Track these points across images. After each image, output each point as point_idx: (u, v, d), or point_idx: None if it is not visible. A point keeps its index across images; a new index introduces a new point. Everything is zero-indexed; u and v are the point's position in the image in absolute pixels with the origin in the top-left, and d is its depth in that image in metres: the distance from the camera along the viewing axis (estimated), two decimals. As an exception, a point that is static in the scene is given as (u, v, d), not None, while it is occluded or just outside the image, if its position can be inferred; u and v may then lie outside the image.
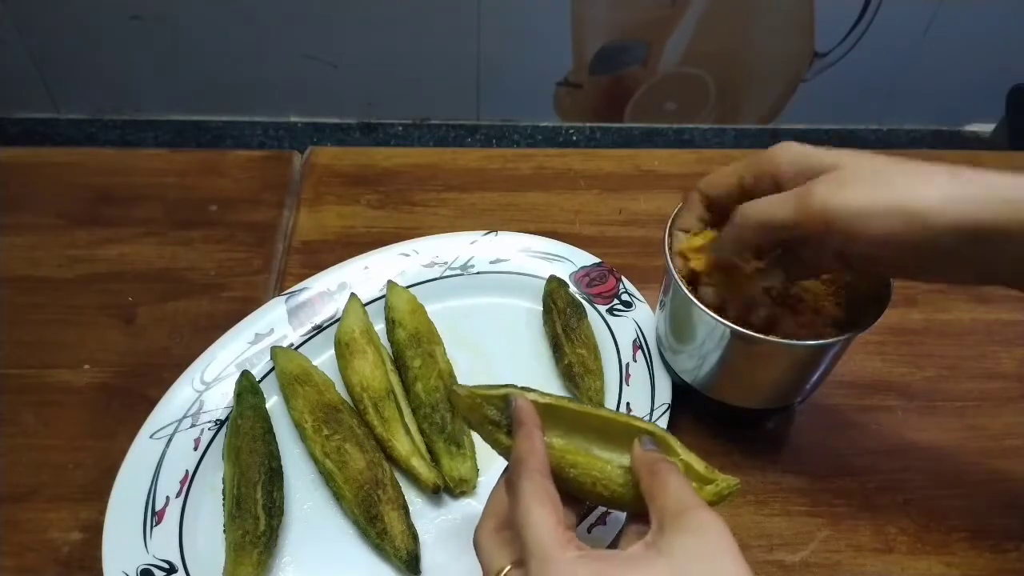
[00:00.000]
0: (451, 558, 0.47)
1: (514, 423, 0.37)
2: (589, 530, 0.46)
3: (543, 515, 0.32)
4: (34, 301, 0.59)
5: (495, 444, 0.38)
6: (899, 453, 0.53)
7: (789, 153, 0.40)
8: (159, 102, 1.75)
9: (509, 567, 0.34)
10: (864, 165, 0.37)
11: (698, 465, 0.38)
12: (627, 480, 0.37)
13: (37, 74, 1.69)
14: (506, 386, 0.38)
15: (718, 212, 0.45)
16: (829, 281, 0.53)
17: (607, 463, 0.37)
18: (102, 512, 0.45)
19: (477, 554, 0.36)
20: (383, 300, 0.57)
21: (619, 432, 0.38)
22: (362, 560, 0.46)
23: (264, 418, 0.50)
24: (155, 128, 1.77)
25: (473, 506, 0.49)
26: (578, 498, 0.37)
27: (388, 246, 0.60)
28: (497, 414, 0.38)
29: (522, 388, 0.39)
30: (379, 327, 0.56)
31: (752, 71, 1.73)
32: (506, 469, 0.37)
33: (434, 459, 0.49)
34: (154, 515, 0.46)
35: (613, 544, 0.36)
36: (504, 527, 0.36)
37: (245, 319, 0.55)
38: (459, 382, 0.53)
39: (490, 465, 0.50)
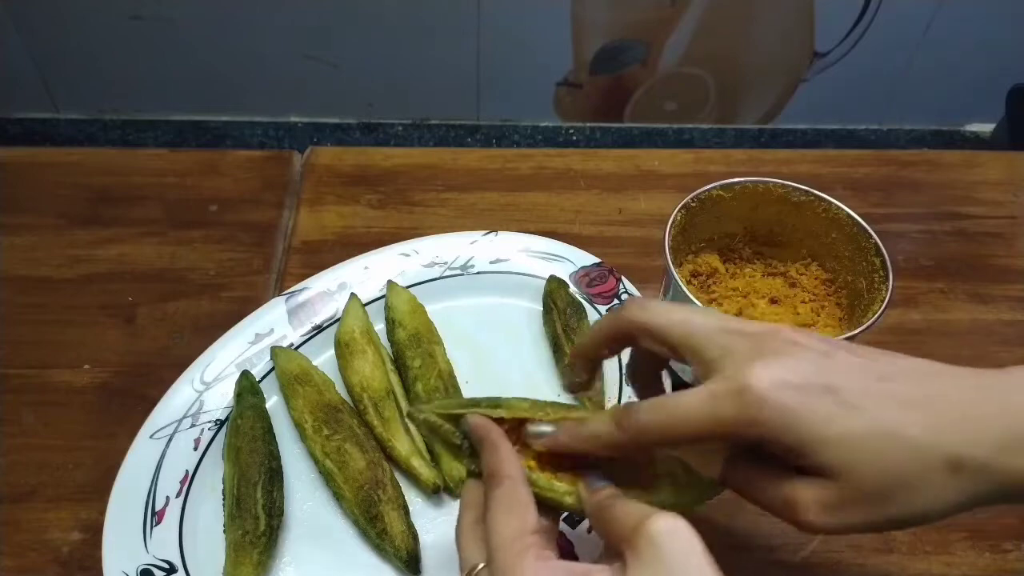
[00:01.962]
0: (451, 558, 0.46)
1: (476, 442, 0.35)
2: (589, 530, 0.46)
3: (504, 522, 0.32)
4: (34, 301, 0.59)
5: (464, 467, 0.37)
6: (899, 453, 0.53)
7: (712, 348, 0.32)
8: (159, 102, 1.75)
9: (482, 565, 0.33)
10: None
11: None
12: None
13: (37, 74, 1.69)
14: (469, 402, 0.37)
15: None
16: (828, 281, 0.53)
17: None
18: (102, 512, 0.45)
19: (457, 546, 0.35)
20: (383, 300, 0.57)
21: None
22: (362, 560, 0.46)
23: (264, 418, 0.50)
24: (155, 128, 1.77)
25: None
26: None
27: (388, 246, 0.60)
28: (457, 438, 0.36)
29: (488, 403, 0.36)
30: (379, 327, 0.56)
31: (752, 71, 1.73)
32: None
33: (434, 459, 0.49)
34: (154, 515, 0.46)
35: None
36: (482, 520, 0.34)
37: (245, 319, 0.55)
38: (459, 382, 0.53)
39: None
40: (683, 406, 0.31)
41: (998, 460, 0.29)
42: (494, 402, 0.36)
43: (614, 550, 0.31)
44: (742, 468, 0.34)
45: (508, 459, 0.34)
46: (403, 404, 0.51)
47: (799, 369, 0.30)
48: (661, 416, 0.32)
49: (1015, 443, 0.29)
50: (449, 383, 0.52)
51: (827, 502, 0.30)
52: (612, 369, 0.54)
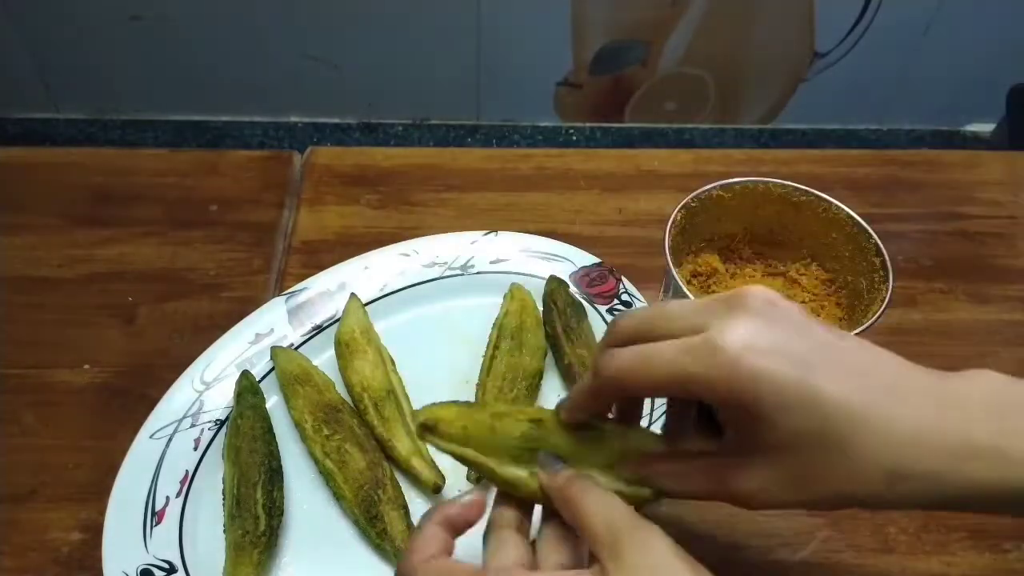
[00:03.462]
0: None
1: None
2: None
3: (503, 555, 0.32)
4: (34, 301, 0.59)
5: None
6: (899, 453, 0.53)
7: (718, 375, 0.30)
8: (159, 102, 1.75)
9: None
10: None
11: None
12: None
13: (37, 74, 1.69)
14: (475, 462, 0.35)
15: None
16: (828, 281, 0.53)
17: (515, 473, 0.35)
18: (102, 512, 0.45)
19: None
20: (382, 301, 0.57)
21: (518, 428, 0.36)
22: (362, 560, 0.46)
23: (264, 418, 0.50)
24: (155, 128, 1.77)
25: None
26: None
27: (388, 246, 0.60)
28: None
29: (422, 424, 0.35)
30: (379, 327, 0.56)
31: (752, 71, 1.73)
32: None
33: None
34: (154, 515, 0.46)
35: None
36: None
37: (245, 319, 0.55)
38: (460, 381, 0.53)
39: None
40: (657, 355, 0.31)
41: (944, 472, 0.29)
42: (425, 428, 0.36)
43: (591, 547, 0.31)
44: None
45: (503, 516, 0.35)
46: (404, 404, 0.52)
47: (775, 334, 0.30)
48: (636, 362, 0.32)
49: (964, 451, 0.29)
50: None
51: (759, 482, 0.31)
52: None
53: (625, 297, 0.58)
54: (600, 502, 0.32)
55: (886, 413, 0.30)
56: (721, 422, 0.33)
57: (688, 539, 0.49)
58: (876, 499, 0.30)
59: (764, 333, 0.30)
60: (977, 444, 0.29)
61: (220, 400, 0.51)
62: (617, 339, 0.34)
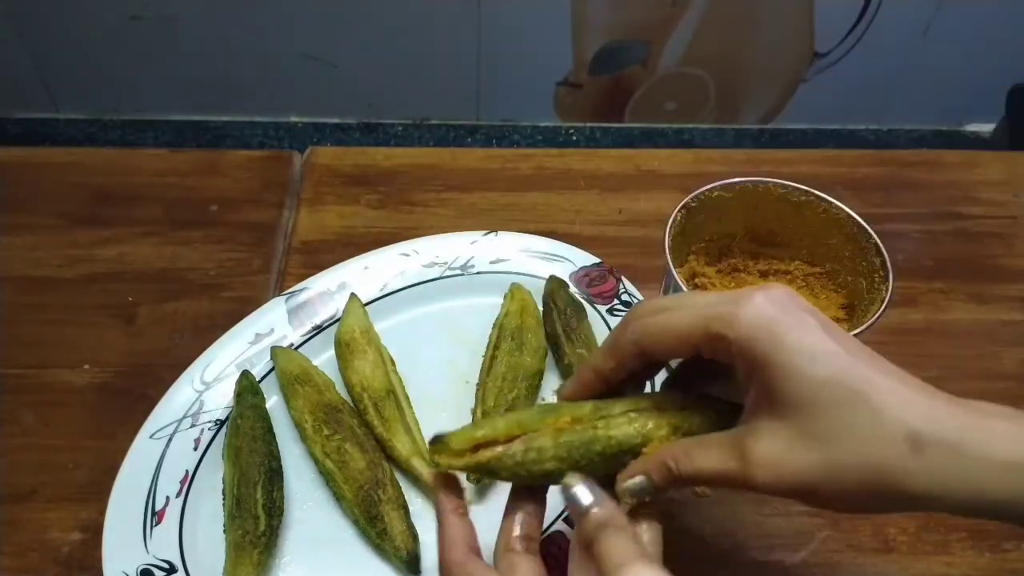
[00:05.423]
0: (451, 558, 0.47)
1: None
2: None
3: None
4: (34, 301, 0.59)
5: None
6: (899, 453, 0.53)
7: (747, 330, 0.30)
8: (159, 102, 1.75)
9: None
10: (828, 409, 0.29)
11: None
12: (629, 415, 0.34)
13: (37, 74, 1.69)
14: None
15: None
16: (828, 281, 0.53)
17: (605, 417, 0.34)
18: (102, 512, 0.45)
19: None
20: (382, 301, 0.57)
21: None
22: (362, 560, 0.46)
23: (264, 418, 0.50)
24: (155, 128, 1.77)
25: (474, 507, 0.49)
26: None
27: (388, 246, 0.60)
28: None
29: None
30: (379, 327, 0.56)
31: (752, 71, 1.73)
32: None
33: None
34: (154, 515, 0.46)
35: None
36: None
37: (245, 319, 0.55)
38: (460, 381, 0.53)
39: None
40: (679, 311, 0.32)
41: (966, 442, 0.28)
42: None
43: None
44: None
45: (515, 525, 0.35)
46: (404, 404, 0.52)
47: (789, 298, 0.31)
48: (658, 317, 0.33)
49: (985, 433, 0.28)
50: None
51: (775, 446, 0.30)
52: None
53: (625, 297, 0.58)
54: (619, 545, 0.30)
55: (902, 385, 0.30)
56: (742, 385, 0.32)
57: (689, 539, 0.49)
58: (901, 467, 0.28)
59: (785, 297, 0.31)
60: (997, 429, 0.29)
61: (220, 400, 0.51)
62: (638, 314, 0.34)
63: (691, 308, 0.32)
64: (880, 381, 0.29)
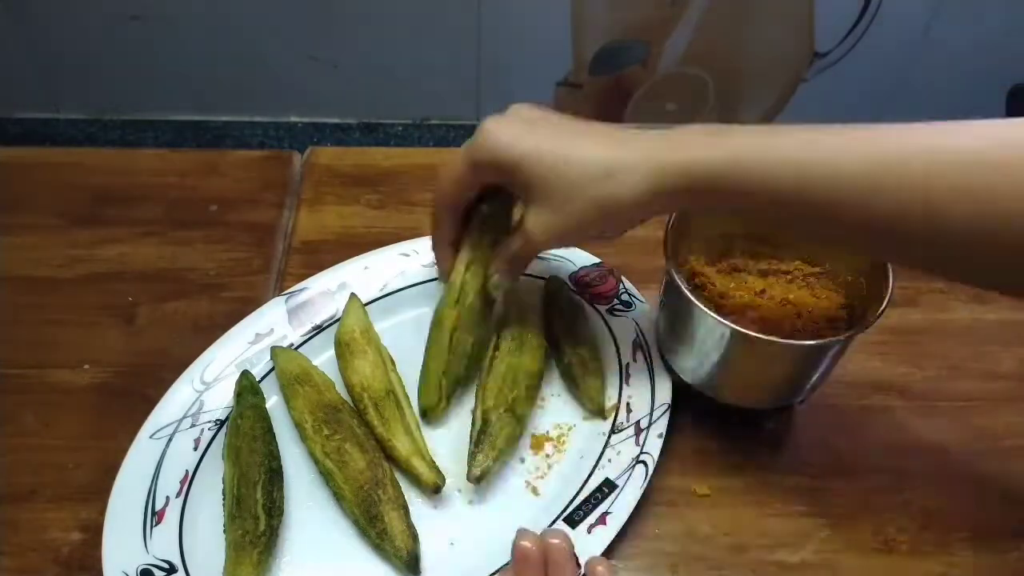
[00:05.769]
0: (450, 558, 0.46)
1: None
2: (589, 530, 0.46)
3: None
4: (34, 301, 0.59)
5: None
6: (899, 453, 0.53)
7: (484, 155, 0.46)
8: (159, 102, 1.75)
9: None
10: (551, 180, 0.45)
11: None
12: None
13: (37, 74, 1.69)
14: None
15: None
16: (829, 281, 0.53)
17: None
18: (102, 512, 0.45)
19: None
20: (382, 301, 0.57)
21: None
22: (362, 560, 0.46)
23: (264, 418, 0.50)
24: (155, 128, 1.77)
25: (474, 506, 0.49)
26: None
27: (388, 246, 0.60)
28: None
29: None
30: (379, 327, 0.56)
31: (752, 71, 1.73)
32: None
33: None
34: (154, 515, 0.46)
35: None
36: None
37: (245, 319, 0.55)
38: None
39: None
40: (449, 170, 0.50)
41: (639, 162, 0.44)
42: None
43: None
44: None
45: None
46: (404, 404, 0.52)
47: (514, 123, 0.47)
48: (442, 184, 0.52)
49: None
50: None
51: (535, 219, 0.46)
52: (612, 369, 0.54)
53: (625, 297, 0.58)
54: None
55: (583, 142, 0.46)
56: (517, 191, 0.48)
57: (689, 539, 0.49)
58: (605, 191, 0.43)
59: (515, 125, 0.46)
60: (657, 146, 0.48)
61: (220, 400, 0.51)
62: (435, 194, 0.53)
63: (454, 158, 0.49)
64: (576, 143, 0.46)
